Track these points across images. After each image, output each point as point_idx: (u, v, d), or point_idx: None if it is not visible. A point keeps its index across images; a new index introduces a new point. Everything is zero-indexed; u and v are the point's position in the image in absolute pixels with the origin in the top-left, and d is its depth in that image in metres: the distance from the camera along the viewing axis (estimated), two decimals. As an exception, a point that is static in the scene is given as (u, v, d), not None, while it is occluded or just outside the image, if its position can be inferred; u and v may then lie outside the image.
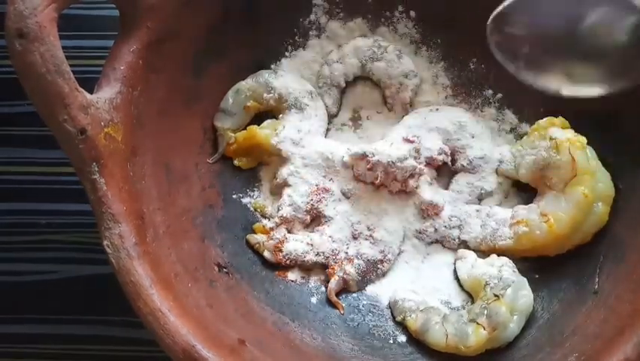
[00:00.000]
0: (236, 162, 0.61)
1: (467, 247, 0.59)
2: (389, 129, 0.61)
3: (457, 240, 0.59)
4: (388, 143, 0.58)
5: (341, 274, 0.57)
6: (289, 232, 0.59)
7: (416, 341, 0.56)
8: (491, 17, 0.47)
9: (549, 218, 0.55)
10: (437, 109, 0.61)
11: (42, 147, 0.65)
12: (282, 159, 0.60)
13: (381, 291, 0.59)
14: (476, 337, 0.52)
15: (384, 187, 0.60)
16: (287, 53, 0.63)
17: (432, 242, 0.60)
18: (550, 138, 0.56)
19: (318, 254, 0.58)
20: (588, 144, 0.55)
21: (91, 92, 0.48)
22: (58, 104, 0.45)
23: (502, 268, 0.55)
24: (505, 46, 0.49)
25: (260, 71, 0.61)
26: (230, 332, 0.50)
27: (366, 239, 0.59)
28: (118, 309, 0.58)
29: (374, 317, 0.57)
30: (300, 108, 0.60)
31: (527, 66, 0.49)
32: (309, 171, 0.59)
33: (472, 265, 0.57)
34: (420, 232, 0.60)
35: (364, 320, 0.57)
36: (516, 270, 0.56)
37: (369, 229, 0.59)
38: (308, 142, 0.60)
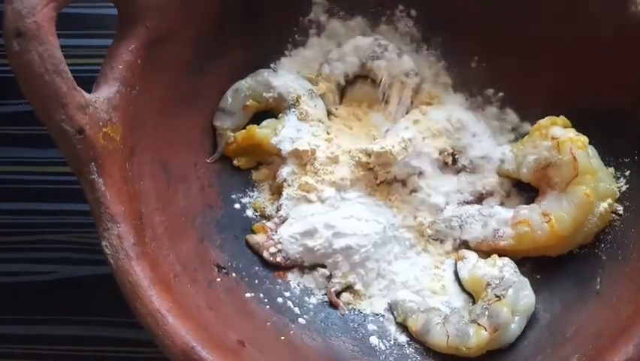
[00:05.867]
0: (235, 162, 0.61)
1: (468, 247, 0.59)
2: (389, 128, 0.61)
3: (458, 240, 0.59)
4: (389, 142, 0.58)
5: (341, 273, 0.57)
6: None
7: (417, 341, 0.56)
8: None
9: (551, 218, 0.55)
10: (438, 108, 0.61)
11: (42, 146, 0.65)
12: (282, 159, 0.59)
13: (382, 292, 0.58)
14: (477, 338, 0.52)
15: (385, 186, 0.60)
16: (287, 52, 0.63)
17: (433, 242, 0.60)
18: (552, 138, 0.56)
19: (317, 253, 0.58)
20: (590, 143, 0.55)
21: (89, 91, 0.48)
22: (56, 103, 0.44)
23: (504, 269, 0.55)
24: None
25: (259, 70, 0.61)
26: (230, 333, 0.50)
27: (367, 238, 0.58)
28: (117, 310, 0.58)
29: (374, 317, 0.57)
30: (300, 107, 0.60)
31: None
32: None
33: (473, 266, 0.57)
34: (420, 232, 0.59)
35: (365, 320, 0.57)
36: (517, 270, 0.56)
37: (369, 228, 0.58)
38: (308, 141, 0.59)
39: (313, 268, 0.59)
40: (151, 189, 0.52)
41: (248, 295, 0.56)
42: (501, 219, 0.57)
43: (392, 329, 0.57)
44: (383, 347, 0.56)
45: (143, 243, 0.48)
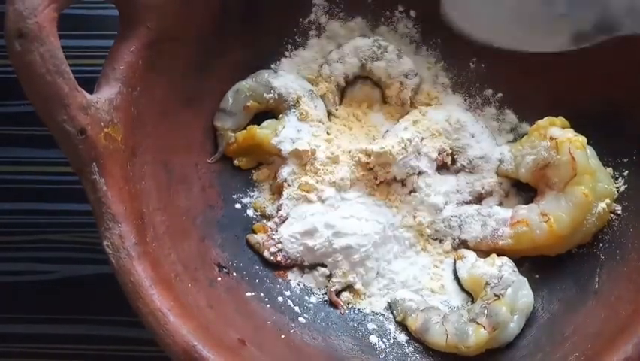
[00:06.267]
0: (236, 162, 0.61)
1: (467, 247, 0.59)
2: (389, 129, 0.61)
3: (457, 239, 0.59)
4: (388, 142, 0.58)
5: (341, 273, 0.57)
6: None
7: (416, 340, 0.56)
8: None
9: (549, 218, 0.55)
10: (437, 109, 0.61)
11: (42, 146, 0.65)
12: (282, 159, 0.60)
13: (381, 291, 0.59)
14: (476, 337, 0.52)
15: (384, 186, 0.60)
16: (287, 53, 0.63)
17: (432, 241, 0.60)
18: (551, 138, 0.56)
19: (317, 253, 0.58)
20: (588, 143, 0.55)
21: (91, 92, 0.48)
22: (58, 104, 0.45)
23: (503, 268, 0.55)
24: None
25: (260, 71, 0.61)
26: (231, 332, 0.50)
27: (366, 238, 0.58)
28: (118, 309, 0.58)
29: (374, 316, 0.57)
30: (300, 108, 0.60)
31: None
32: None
33: (472, 265, 0.57)
34: (420, 232, 0.60)
35: (364, 319, 0.57)
36: (516, 270, 0.56)
37: (369, 227, 0.59)
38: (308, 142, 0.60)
39: (313, 267, 0.59)
40: (152, 189, 0.52)
41: (248, 294, 0.56)
42: (500, 218, 0.58)
43: (392, 328, 0.57)
44: (383, 346, 0.56)
45: (144, 242, 0.48)
